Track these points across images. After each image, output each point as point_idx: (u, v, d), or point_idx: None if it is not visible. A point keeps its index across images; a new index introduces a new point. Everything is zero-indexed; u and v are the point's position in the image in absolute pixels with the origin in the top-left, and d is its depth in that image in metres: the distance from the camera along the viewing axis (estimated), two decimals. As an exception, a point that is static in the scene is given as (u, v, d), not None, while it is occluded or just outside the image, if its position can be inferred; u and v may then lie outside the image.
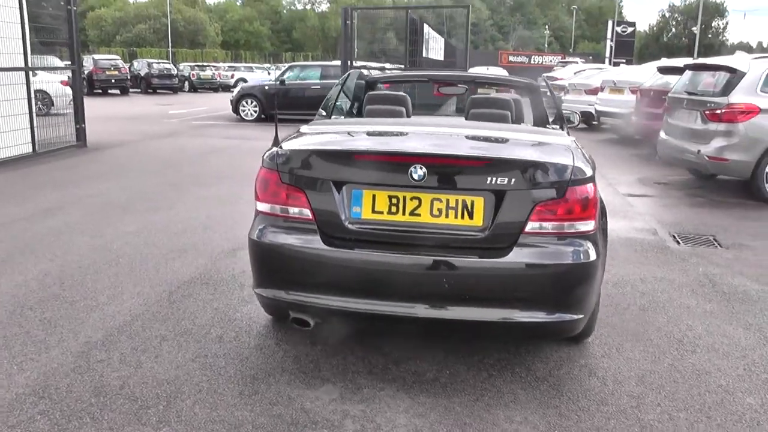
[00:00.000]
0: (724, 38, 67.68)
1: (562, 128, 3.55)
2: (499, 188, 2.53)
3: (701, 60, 8.93)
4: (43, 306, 3.62)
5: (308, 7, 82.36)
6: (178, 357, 3.02)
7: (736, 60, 7.36)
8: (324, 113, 4.07)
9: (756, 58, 7.13)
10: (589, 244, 2.65)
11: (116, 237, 5.03)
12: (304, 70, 15.84)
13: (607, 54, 52.30)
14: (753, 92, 6.77)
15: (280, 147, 2.77)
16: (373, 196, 2.58)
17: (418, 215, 2.56)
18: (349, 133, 3.00)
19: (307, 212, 2.63)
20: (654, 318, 3.69)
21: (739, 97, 6.78)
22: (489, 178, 2.52)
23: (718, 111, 6.91)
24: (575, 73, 20.76)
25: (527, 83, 4.64)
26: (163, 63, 28.99)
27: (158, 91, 27.90)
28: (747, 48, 76.34)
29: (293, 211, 2.66)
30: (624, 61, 44.35)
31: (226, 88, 30.89)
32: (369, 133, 3.00)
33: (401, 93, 3.77)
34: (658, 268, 4.63)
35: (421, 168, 2.49)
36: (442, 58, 19.63)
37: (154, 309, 3.62)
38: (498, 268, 2.53)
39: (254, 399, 2.64)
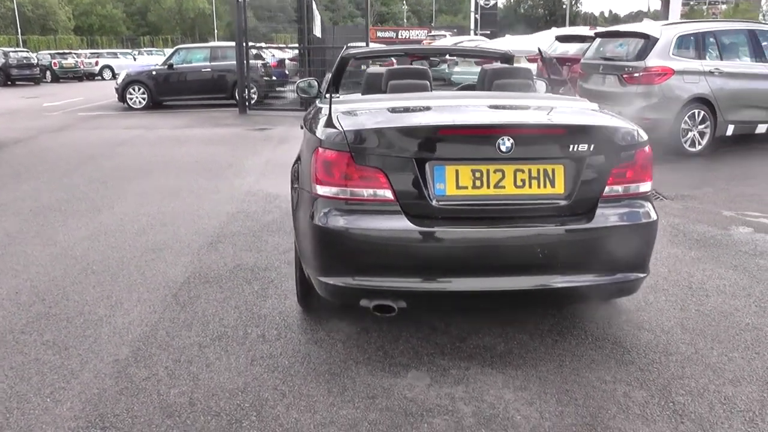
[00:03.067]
0: (577, 9, 72.52)
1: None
2: (580, 155, 2.55)
3: (612, 28, 9.47)
4: (37, 328, 3.18)
5: (161, -13, 77.69)
6: (233, 363, 2.79)
7: (648, 27, 7.89)
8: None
9: (665, 24, 7.70)
10: (649, 204, 2.76)
11: (72, 243, 4.52)
12: (192, 53, 14.99)
13: (472, 26, 54.13)
14: (666, 56, 7.31)
15: (344, 126, 2.57)
16: (456, 171, 2.49)
17: (503, 187, 2.51)
18: (408, 109, 2.86)
19: (388, 193, 2.49)
20: (657, 269, 3.91)
21: (654, 60, 7.30)
22: (571, 146, 2.52)
23: (636, 74, 7.40)
24: (453, 45, 21.36)
25: (503, 53, 4.70)
26: (21, 52, 26.15)
27: (17, 82, 25.19)
28: (592, 17, 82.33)
29: (368, 192, 2.51)
30: (489, 32, 46.13)
31: (91, 76, 28.70)
32: (440, 108, 2.89)
33: (422, 67, 3.69)
34: (628, 223, 4.89)
35: (509, 139, 2.44)
36: (320, 35, 19.46)
37: (169, 315, 3.30)
38: (587, 233, 2.56)
39: (349, 395, 2.50)
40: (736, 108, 7.48)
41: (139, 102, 13.93)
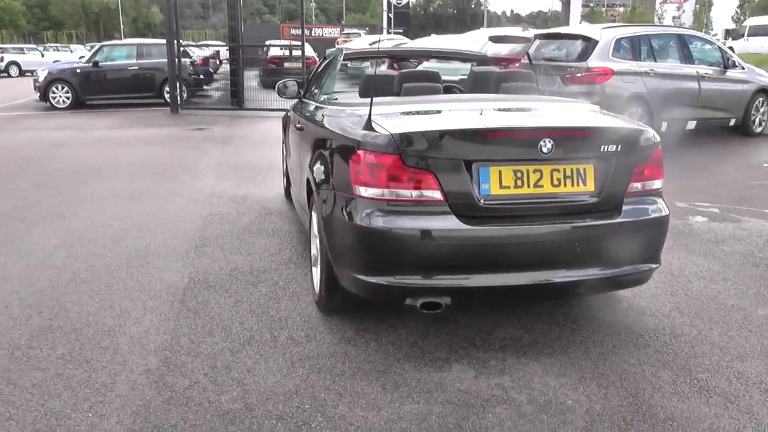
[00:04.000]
0: (485, 8, 74.64)
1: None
2: (609, 155, 2.72)
3: (552, 30, 9.90)
4: (45, 341, 3.02)
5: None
6: (273, 366, 2.77)
7: (587, 29, 8.33)
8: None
9: (604, 27, 8.14)
10: (661, 200, 2.98)
11: (48, 252, 4.29)
12: (118, 50, 14.36)
13: (385, 25, 54.60)
14: (606, 57, 7.76)
15: (390, 129, 2.62)
16: (500, 172, 2.61)
17: (541, 186, 2.65)
18: (443, 111, 2.95)
19: (437, 194, 2.56)
20: (637, 259, 4.19)
21: (595, 62, 7.72)
22: (602, 146, 2.70)
23: (579, 74, 7.80)
24: (370, 44, 21.54)
25: (481, 56, 4.87)
26: None
27: None
28: (496, 17, 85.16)
29: (416, 194, 2.58)
30: (402, 31, 46.72)
31: (-4, 73, 26.95)
32: (471, 111, 3.00)
33: (433, 70, 3.76)
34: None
35: (550, 141, 2.59)
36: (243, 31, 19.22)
37: (185, 322, 3.23)
38: (617, 227, 2.75)
39: (405, 391, 2.55)
40: (669, 106, 8.04)
41: (63, 101, 13.18)
